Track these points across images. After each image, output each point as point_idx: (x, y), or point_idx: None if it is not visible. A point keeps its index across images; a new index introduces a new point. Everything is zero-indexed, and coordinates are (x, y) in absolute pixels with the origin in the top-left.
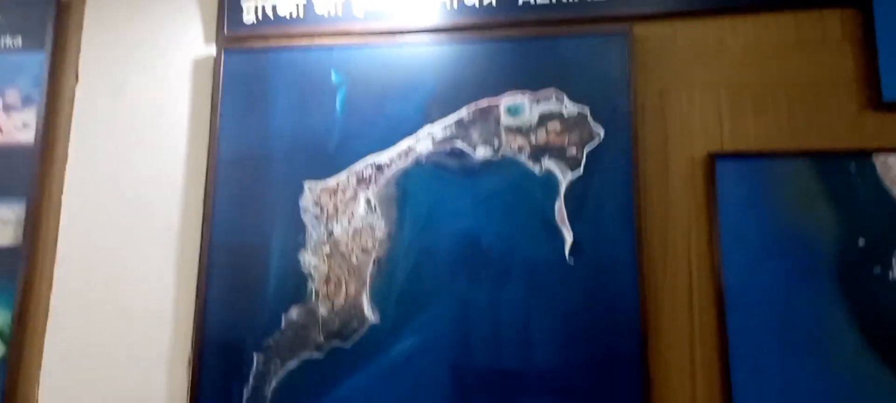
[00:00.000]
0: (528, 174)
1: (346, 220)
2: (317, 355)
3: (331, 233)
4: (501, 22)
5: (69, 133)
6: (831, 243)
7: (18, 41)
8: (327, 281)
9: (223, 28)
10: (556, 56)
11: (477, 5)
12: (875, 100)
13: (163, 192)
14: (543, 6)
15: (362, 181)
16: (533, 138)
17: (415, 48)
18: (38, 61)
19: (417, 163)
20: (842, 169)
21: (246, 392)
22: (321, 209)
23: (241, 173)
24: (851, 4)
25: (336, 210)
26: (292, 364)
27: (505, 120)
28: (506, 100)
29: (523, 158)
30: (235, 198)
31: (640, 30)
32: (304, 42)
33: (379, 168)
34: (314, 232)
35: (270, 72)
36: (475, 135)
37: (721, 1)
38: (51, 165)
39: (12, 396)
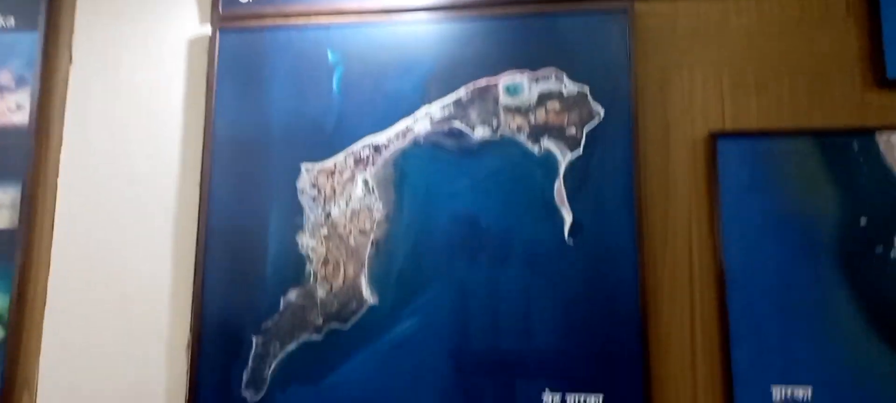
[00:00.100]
0: (527, 154)
1: (343, 202)
2: (316, 337)
3: (328, 215)
4: (500, 0)
5: (64, 114)
6: (833, 222)
7: (11, 21)
8: (325, 263)
9: (218, 7)
10: (556, 34)
11: None
12: (879, 78)
13: (159, 174)
14: None
15: (360, 162)
16: (532, 118)
17: (412, 27)
18: (31, 41)
19: (415, 144)
20: (844, 147)
21: (245, 375)
22: (319, 191)
23: (238, 154)
24: None
25: (334, 191)
26: (291, 346)
27: (504, 99)
28: (505, 80)
29: (522, 138)
30: (232, 179)
31: (642, 7)
32: (301, 21)
33: (376, 149)
34: (312, 215)
35: (266, 51)
36: (473, 114)
37: None
38: (46, 147)
39: (12, 379)
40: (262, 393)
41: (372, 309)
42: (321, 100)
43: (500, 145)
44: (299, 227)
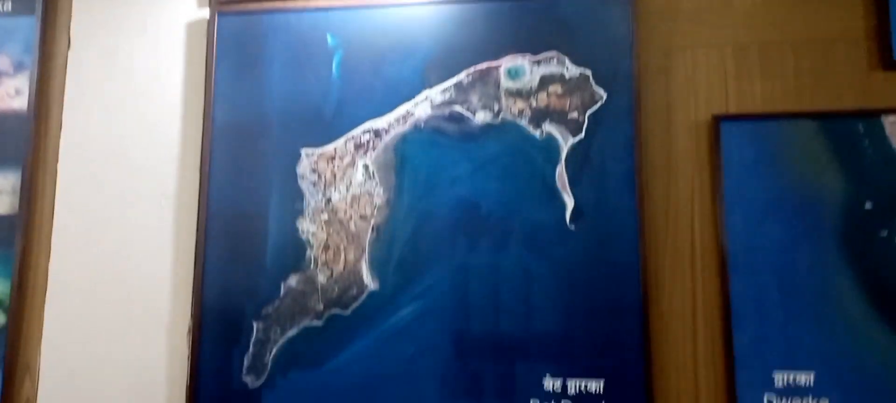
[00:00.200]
0: (529, 138)
1: (344, 187)
2: (316, 322)
3: (329, 200)
4: None
5: (62, 99)
6: (837, 206)
7: (8, 5)
8: (326, 248)
9: None
10: (558, 17)
11: None
12: (885, 60)
13: (158, 159)
14: None
15: (360, 147)
16: (533, 102)
17: (412, 10)
18: (29, 26)
19: (416, 128)
20: (849, 130)
21: (246, 360)
22: (319, 176)
23: (237, 139)
24: None
25: (334, 177)
26: (292, 331)
27: (505, 83)
28: (506, 63)
29: (524, 122)
30: (232, 164)
31: None
32: (300, 4)
33: (377, 134)
34: (312, 200)
35: (265, 35)
36: (474, 99)
37: None
38: (45, 133)
39: (13, 364)
40: (263, 379)
41: (373, 294)
42: (321, 85)
43: (502, 129)
44: (299, 213)
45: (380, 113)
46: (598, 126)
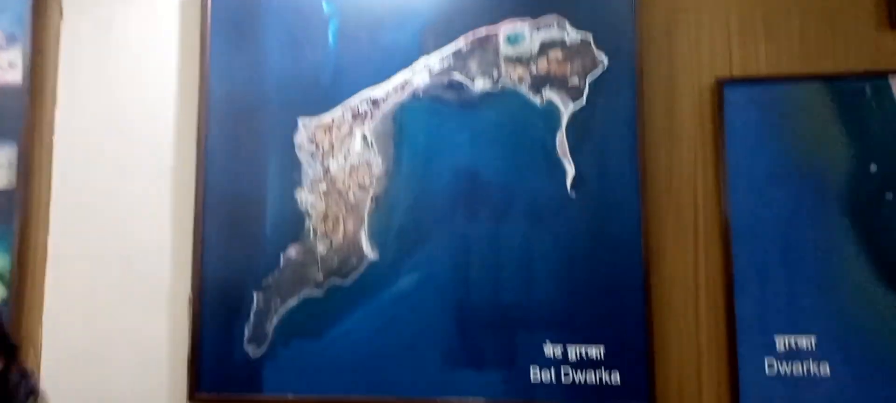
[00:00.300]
0: (529, 105)
1: (342, 157)
2: (317, 293)
3: (327, 171)
4: None
5: (57, 72)
6: (842, 170)
7: None
8: (325, 218)
9: None
10: None
11: None
12: (893, 19)
13: (155, 131)
14: None
15: (358, 116)
16: (533, 68)
17: None
18: None
19: (414, 97)
20: (856, 92)
21: (248, 331)
22: (317, 146)
23: (234, 110)
24: None
25: (332, 147)
26: (292, 302)
27: (504, 49)
28: (505, 29)
29: (524, 89)
30: (229, 135)
31: None
32: None
33: (375, 103)
34: (310, 170)
35: (260, 4)
36: (473, 66)
37: None
38: (40, 106)
39: (16, 337)
40: (264, 348)
41: (373, 264)
42: (317, 54)
43: (501, 97)
44: (298, 183)
45: (377, 80)
46: (600, 92)
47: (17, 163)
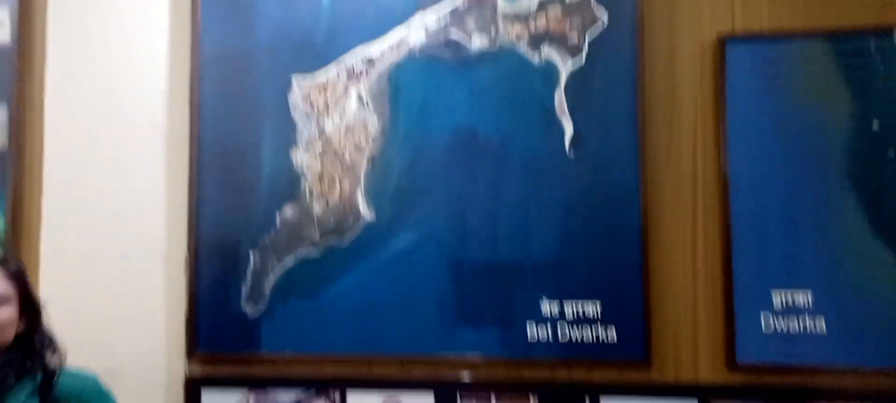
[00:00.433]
0: (527, 64)
1: (337, 117)
2: (314, 252)
3: (322, 131)
4: None
5: (45, 31)
6: (844, 127)
7: None
8: (321, 179)
9: None
10: None
11: None
12: None
13: (148, 90)
14: None
15: (353, 76)
16: (532, 25)
17: None
18: None
19: (410, 56)
20: (860, 48)
21: (245, 290)
22: (311, 105)
23: (227, 69)
24: None
25: (327, 106)
26: (289, 261)
27: (502, 6)
28: None
29: (522, 47)
30: (222, 95)
31: None
32: None
33: (370, 61)
34: (305, 130)
35: None
36: (471, 23)
37: None
38: (30, 65)
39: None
40: (262, 307)
41: (369, 224)
42: (310, 9)
43: (499, 55)
44: (293, 143)
45: (372, 37)
46: (599, 49)
47: (8, 124)
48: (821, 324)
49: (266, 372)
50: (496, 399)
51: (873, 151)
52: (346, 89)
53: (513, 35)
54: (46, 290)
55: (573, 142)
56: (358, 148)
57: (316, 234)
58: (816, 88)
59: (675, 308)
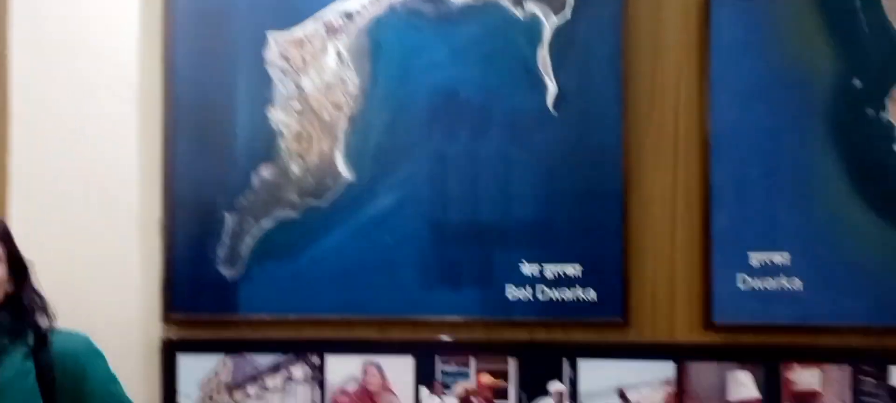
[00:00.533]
0: (510, 19)
1: (315, 74)
2: (292, 214)
3: (300, 88)
4: None
5: None
6: (826, 84)
7: None
8: (299, 138)
9: None
10: None
11: None
12: None
13: (118, 46)
14: None
15: (331, 31)
16: None
17: None
18: None
19: (391, 11)
20: (845, 4)
21: (221, 252)
22: (288, 62)
23: (200, 23)
24: None
25: (304, 63)
26: (267, 223)
27: None
28: None
29: (505, 1)
30: (196, 50)
31: None
32: None
33: (349, 16)
34: (282, 87)
35: None
36: None
37: None
38: None
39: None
40: (239, 269)
41: (349, 185)
42: None
43: (482, 10)
44: (269, 101)
45: None
46: (584, 5)
47: None
48: (798, 284)
49: (244, 335)
50: (475, 359)
51: (853, 109)
52: (325, 45)
53: None
54: None
55: (557, 100)
56: (337, 106)
57: (294, 195)
58: (801, 43)
59: (654, 267)
